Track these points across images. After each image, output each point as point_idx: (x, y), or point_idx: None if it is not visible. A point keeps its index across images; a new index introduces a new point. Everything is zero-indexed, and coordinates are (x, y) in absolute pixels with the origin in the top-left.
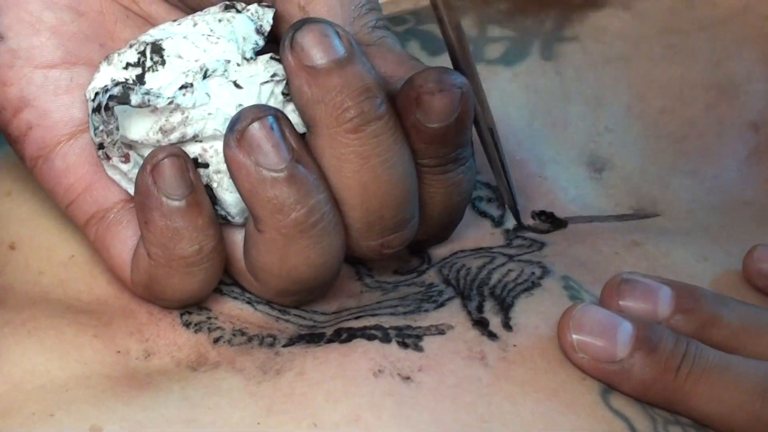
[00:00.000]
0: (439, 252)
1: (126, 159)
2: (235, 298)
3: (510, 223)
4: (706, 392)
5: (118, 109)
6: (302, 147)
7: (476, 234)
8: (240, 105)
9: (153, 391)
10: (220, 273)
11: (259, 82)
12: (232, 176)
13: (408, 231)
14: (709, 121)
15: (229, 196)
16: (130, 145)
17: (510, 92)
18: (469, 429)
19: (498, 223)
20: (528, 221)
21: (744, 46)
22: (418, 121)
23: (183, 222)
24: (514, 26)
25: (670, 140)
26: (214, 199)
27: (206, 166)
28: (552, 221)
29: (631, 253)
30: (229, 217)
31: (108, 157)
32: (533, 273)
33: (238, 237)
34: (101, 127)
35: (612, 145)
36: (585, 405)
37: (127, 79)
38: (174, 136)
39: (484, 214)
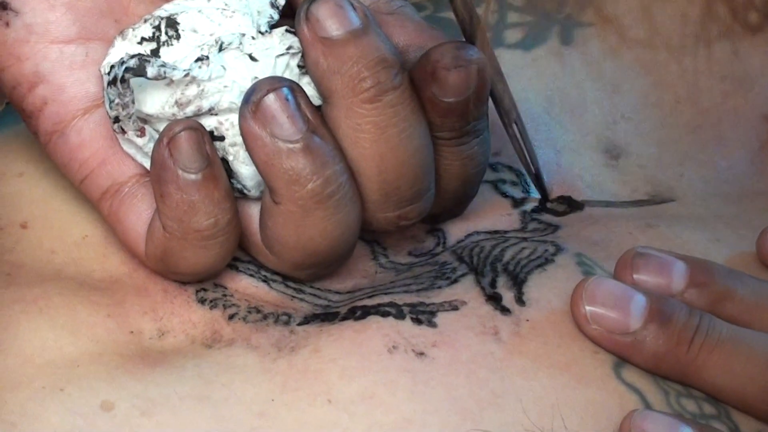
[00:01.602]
0: (455, 233)
1: (141, 133)
2: (251, 275)
3: (529, 205)
4: (718, 365)
5: (134, 82)
6: (318, 118)
7: (493, 214)
8: (255, 78)
9: (166, 368)
10: (234, 247)
11: (275, 55)
12: (248, 148)
13: (425, 203)
14: (723, 112)
15: (245, 169)
16: (145, 119)
17: (528, 77)
18: (483, 404)
19: (517, 204)
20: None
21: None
22: (434, 95)
23: (199, 195)
24: (533, 11)
25: (684, 130)
26: (230, 173)
27: (222, 139)
28: (569, 204)
29: (644, 233)
30: (245, 191)
31: (123, 131)
32: (546, 250)
33: (253, 210)
34: (116, 101)
35: (628, 133)
36: (597, 378)
37: (141, 54)
38: (189, 110)
39: (505, 195)
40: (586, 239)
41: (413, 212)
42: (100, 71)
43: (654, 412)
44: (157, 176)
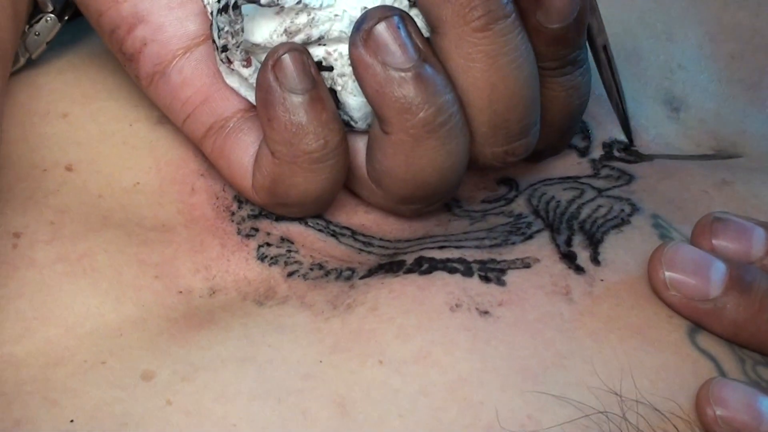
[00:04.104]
0: (527, 180)
1: (248, 63)
2: (320, 230)
3: (596, 153)
4: None
5: (243, 10)
6: (428, 48)
7: (563, 165)
8: (365, 8)
9: (211, 329)
10: (343, 174)
11: None
12: (358, 77)
13: (532, 138)
14: None
15: (353, 100)
16: (251, 50)
17: None
18: (547, 364)
19: (583, 154)
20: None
21: None
22: (539, 22)
23: (307, 117)
24: None
25: (742, 86)
26: (337, 104)
27: (330, 69)
28: (636, 156)
29: (720, 192)
30: (351, 122)
31: (230, 61)
32: (623, 210)
33: (359, 144)
34: (226, 28)
35: (686, 84)
36: (671, 343)
37: None
38: (298, 38)
39: (568, 146)
40: (661, 196)
41: (520, 148)
42: (201, 2)
43: (732, 381)
44: (263, 100)
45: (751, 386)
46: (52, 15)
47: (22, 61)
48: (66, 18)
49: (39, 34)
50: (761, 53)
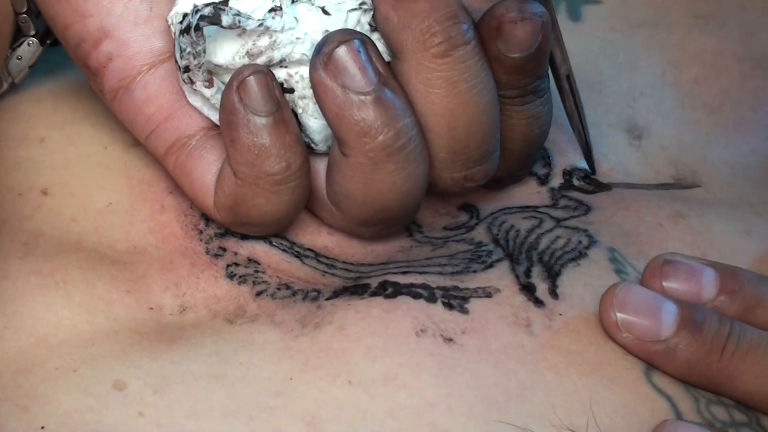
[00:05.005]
0: (487, 207)
1: (210, 83)
2: (284, 251)
3: (556, 181)
4: (751, 372)
5: (205, 32)
6: (388, 72)
7: (522, 193)
8: (326, 31)
9: (183, 345)
10: (305, 196)
11: (347, 9)
12: (318, 99)
13: (491, 164)
14: (743, 93)
15: (313, 123)
16: (213, 71)
17: None
18: (510, 395)
19: (543, 182)
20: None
21: None
22: (500, 51)
23: (270, 139)
24: None
25: (705, 111)
26: (298, 126)
27: (291, 91)
28: (596, 185)
29: (675, 225)
30: (312, 145)
31: (191, 82)
32: (580, 242)
33: (320, 166)
34: (188, 49)
35: (649, 111)
36: (629, 381)
37: (215, 2)
38: (261, 60)
39: (529, 173)
40: (618, 228)
41: (480, 173)
42: (166, 22)
43: (685, 423)
44: (227, 121)
45: (704, 427)
46: (34, 39)
47: (5, 85)
48: (48, 42)
49: (21, 57)
50: (724, 75)
